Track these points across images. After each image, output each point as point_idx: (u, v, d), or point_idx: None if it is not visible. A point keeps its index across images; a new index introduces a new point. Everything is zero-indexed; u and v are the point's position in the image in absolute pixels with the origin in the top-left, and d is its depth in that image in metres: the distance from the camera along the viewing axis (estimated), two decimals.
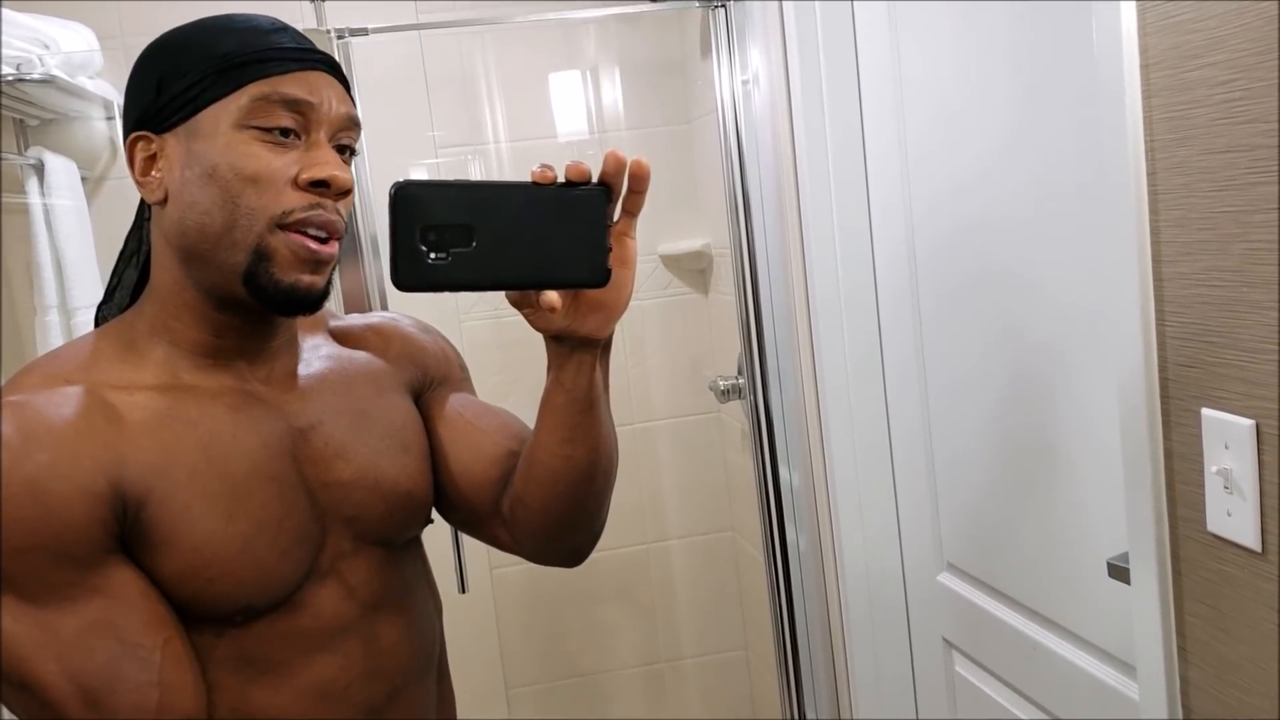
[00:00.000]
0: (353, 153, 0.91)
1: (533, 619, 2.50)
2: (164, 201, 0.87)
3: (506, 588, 2.46)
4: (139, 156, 0.88)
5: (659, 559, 2.54)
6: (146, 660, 0.80)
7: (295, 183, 0.84)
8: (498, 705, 2.49)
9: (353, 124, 0.90)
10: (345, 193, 0.87)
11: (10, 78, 1.72)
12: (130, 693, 0.79)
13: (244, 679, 0.87)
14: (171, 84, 0.85)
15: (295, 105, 0.85)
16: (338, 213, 0.87)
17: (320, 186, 0.85)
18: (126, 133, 0.89)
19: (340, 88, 0.89)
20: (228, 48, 0.85)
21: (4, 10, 1.71)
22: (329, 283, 0.89)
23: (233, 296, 0.86)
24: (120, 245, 0.98)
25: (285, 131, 0.85)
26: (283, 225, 0.84)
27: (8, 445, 0.78)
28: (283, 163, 0.84)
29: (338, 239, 0.88)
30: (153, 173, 0.87)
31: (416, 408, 1.04)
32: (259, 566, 0.86)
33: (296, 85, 0.85)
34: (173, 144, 0.86)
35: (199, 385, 0.89)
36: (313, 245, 0.85)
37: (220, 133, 0.84)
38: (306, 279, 0.86)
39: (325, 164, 0.85)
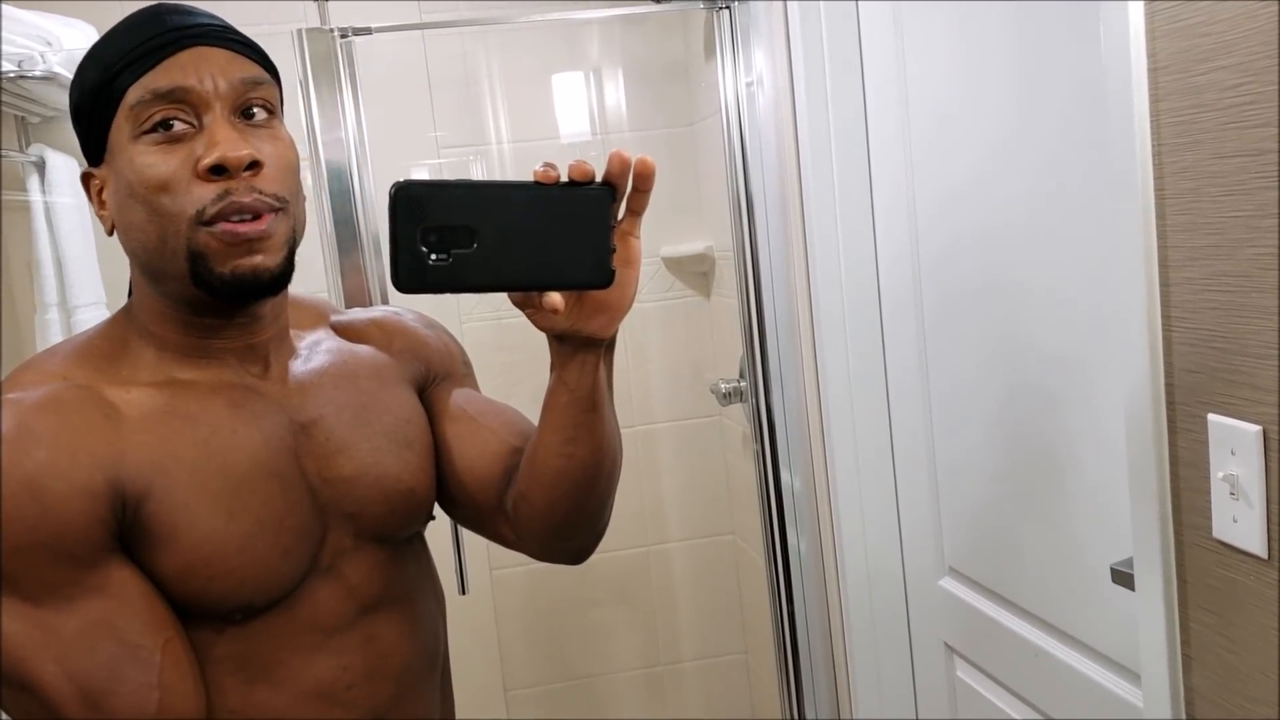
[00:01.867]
0: (270, 112, 0.87)
1: (533, 621, 2.50)
2: (113, 230, 0.87)
3: (506, 589, 2.45)
4: (93, 193, 0.88)
5: (659, 562, 2.54)
6: (147, 661, 0.80)
7: (197, 173, 0.81)
8: (496, 707, 2.49)
9: (252, 85, 0.85)
10: (253, 165, 0.82)
11: (12, 74, 1.72)
12: (130, 694, 0.79)
13: (244, 679, 0.87)
14: (81, 114, 0.86)
15: (170, 95, 0.82)
16: (254, 190, 0.82)
17: (220, 171, 0.82)
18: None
19: (224, 55, 0.84)
20: (105, 62, 0.84)
21: (7, 7, 1.71)
22: (287, 260, 0.86)
23: (197, 299, 0.85)
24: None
25: (170, 124, 0.82)
26: (202, 222, 0.82)
27: (6, 443, 0.78)
28: (180, 159, 0.82)
29: (271, 214, 0.83)
30: (104, 207, 0.88)
31: (420, 403, 1.03)
32: (260, 564, 0.85)
33: (165, 75, 0.82)
34: (106, 174, 0.86)
35: (197, 381, 0.88)
36: (239, 229, 0.82)
37: (124, 150, 0.83)
38: (247, 263, 0.83)
39: (216, 145, 0.81)
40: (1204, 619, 0.88)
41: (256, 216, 0.83)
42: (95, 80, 0.84)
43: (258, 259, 0.83)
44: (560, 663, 2.52)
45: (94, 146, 0.86)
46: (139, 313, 0.89)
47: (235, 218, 0.82)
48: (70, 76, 1.81)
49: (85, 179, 0.88)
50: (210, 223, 0.82)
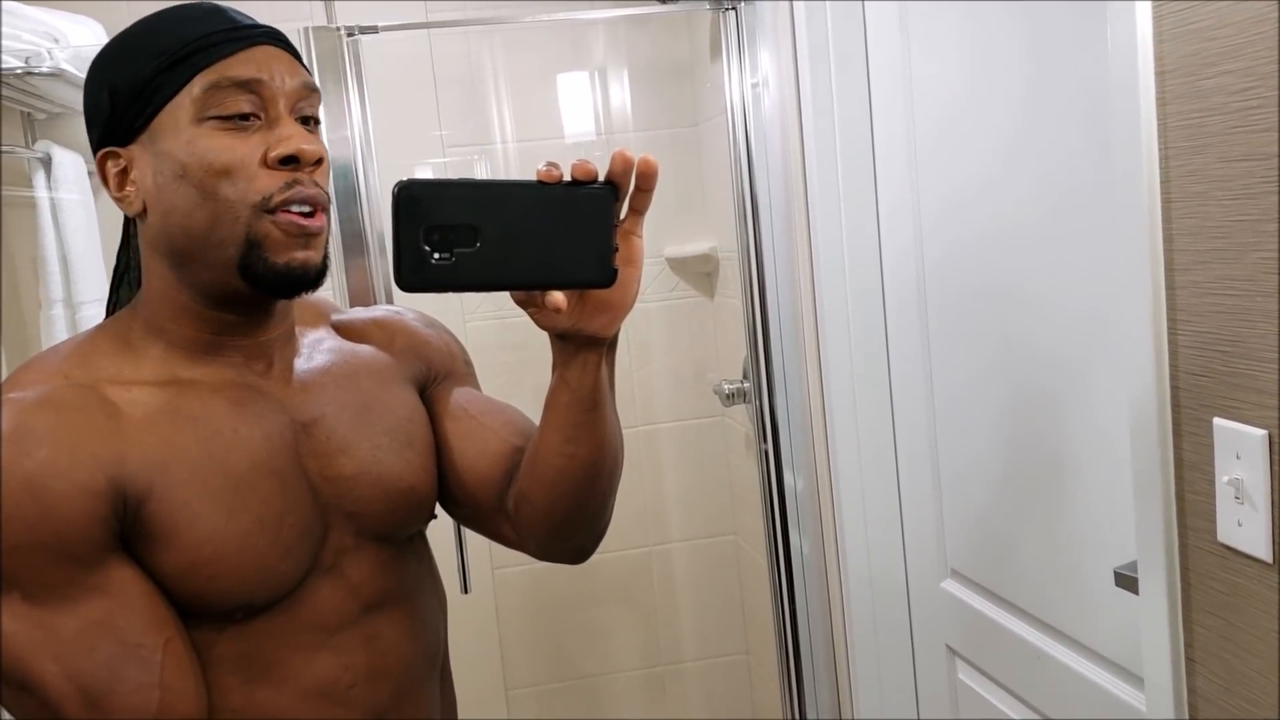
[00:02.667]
0: (316, 121, 0.89)
1: (534, 620, 2.50)
2: (143, 213, 0.87)
3: (508, 589, 2.45)
4: (111, 173, 0.87)
5: (661, 562, 2.54)
6: (148, 661, 0.80)
7: (265, 163, 0.83)
8: (497, 706, 2.49)
9: (309, 91, 0.88)
10: (318, 162, 0.86)
11: (19, 71, 1.72)
12: (131, 694, 0.79)
13: (245, 678, 0.87)
14: (122, 94, 0.85)
15: (247, 85, 0.84)
16: (316, 184, 0.86)
17: (290, 162, 0.84)
18: (95, 151, 0.88)
19: (288, 58, 0.88)
20: (167, 43, 0.84)
21: (12, 3, 1.71)
22: (325, 258, 0.88)
23: (230, 291, 0.86)
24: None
25: (244, 115, 0.84)
26: (266, 209, 0.83)
27: (6, 442, 0.78)
28: (249, 147, 0.83)
29: (323, 210, 0.87)
30: (127, 187, 0.87)
31: (421, 402, 1.03)
32: (260, 563, 0.85)
33: (243, 65, 0.84)
34: (139, 154, 0.85)
35: (199, 380, 0.88)
36: (301, 220, 0.84)
37: (181, 130, 0.83)
38: (300, 256, 0.85)
39: (290, 138, 0.84)
40: (1208, 623, 0.88)
41: (312, 210, 0.85)
42: (150, 64, 0.83)
43: (309, 253, 0.86)
44: (561, 662, 2.52)
45: (127, 124, 0.85)
46: (152, 307, 0.89)
47: (296, 209, 0.84)
48: (77, 73, 1.83)
49: (105, 158, 0.87)
50: (272, 210, 0.83)
